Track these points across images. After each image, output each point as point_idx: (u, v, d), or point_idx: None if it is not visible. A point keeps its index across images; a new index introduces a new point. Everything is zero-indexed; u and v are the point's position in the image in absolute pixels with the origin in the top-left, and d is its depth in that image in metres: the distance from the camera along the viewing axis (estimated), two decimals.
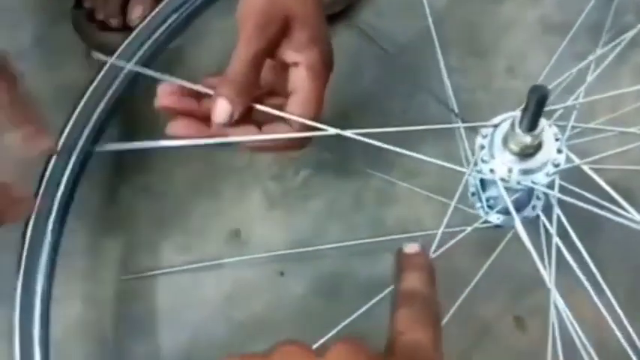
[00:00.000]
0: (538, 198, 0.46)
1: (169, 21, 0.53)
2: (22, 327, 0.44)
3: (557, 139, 0.40)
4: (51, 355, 0.45)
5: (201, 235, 0.55)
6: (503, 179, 0.39)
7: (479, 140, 0.41)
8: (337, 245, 0.51)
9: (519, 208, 0.45)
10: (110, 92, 0.50)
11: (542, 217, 0.44)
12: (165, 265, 0.53)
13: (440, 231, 0.39)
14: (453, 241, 0.41)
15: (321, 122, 0.41)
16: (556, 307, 0.40)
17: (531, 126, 0.38)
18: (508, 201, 0.40)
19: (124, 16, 0.63)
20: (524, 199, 0.45)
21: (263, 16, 0.40)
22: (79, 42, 0.63)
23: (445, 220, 0.39)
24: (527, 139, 0.38)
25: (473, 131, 0.47)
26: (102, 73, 0.51)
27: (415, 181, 0.54)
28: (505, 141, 0.40)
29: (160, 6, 0.53)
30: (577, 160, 0.40)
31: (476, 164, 0.40)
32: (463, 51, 0.61)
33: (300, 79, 0.41)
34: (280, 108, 0.42)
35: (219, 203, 0.56)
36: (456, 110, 0.52)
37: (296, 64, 0.41)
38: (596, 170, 0.40)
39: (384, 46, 0.61)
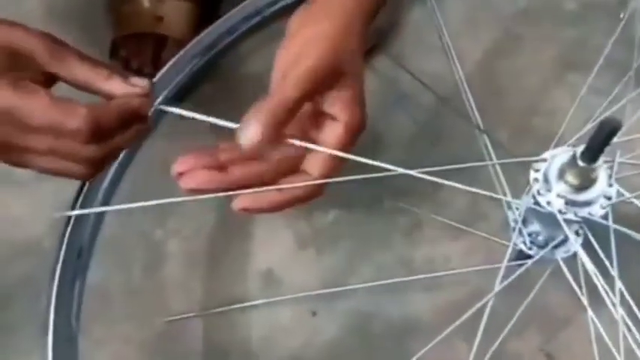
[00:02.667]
0: (578, 234, 0.46)
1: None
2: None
3: (608, 173, 0.42)
4: None
5: (234, 275, 0.56)
6: (560, 211, 0.41)
7: (532, 174, 0.42)
8: (367, 285, 0.52)
9: (550, 242, 0.46)
10: None
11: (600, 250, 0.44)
12: (200, 307, 0.55)
13: (504, 265, 0.40)
14: (516, 274, 0.42)
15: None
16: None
17: (595, 158, 0.39)
18: (569, 232, 0.42)
19: (157, 66, 0.66)
20: (556, 233, 0.47)
21: (321, 64, 0.40)
22: None
23: (507, 255, 0.41)
24: (589, 172, 0.40)
25: (505, 168, 0.48)
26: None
27: (444, 216, 0.55)
28: (562, 174, 0.41)
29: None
30: (627, 194, 0.42)
31: (533, 196, 0.41)
32: (483, 90, 0.62)
33: (334, 135, 0.41)
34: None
35: (250, 244, 0.58)
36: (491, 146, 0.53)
37: (334, 119, 0.41)
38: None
39: (415, 80, 0.62)
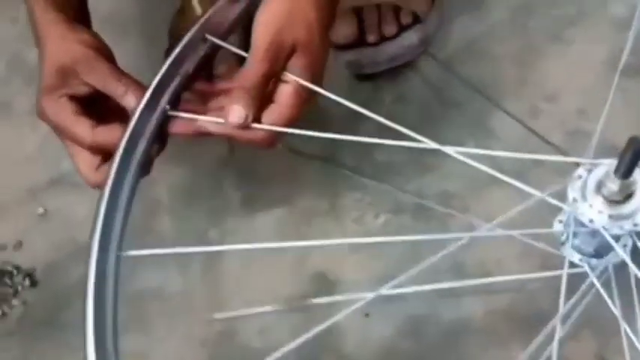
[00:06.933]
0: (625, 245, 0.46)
1: None
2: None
3: None
4: None
5: (288, 277, 0.58)
6: (604, 227, 0.41)
7: (570, 193, 0.42)
8: (421, 289, 0.53)
9: (603, 252, 0.46)
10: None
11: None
12: (256, 306, 0.56)
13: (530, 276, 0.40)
14: (563, 286, 0.42)
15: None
16: None
17: (627, 174, 0.39)
18: (616, 246, 0.41)
19: (209, 73, 0.67)
20: (606, 243, 0.46)
21: (275, 42, 0.48)
22: None
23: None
24: (622, 186, 0.40)
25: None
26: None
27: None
28: (599, 186, 0.41)
29: None
30: None
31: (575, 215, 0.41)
32: (534, 93, 0.62)
33: (284, 96, 0.49)
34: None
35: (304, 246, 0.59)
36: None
37: (287, 82, 0.49)
38: None
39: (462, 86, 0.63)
